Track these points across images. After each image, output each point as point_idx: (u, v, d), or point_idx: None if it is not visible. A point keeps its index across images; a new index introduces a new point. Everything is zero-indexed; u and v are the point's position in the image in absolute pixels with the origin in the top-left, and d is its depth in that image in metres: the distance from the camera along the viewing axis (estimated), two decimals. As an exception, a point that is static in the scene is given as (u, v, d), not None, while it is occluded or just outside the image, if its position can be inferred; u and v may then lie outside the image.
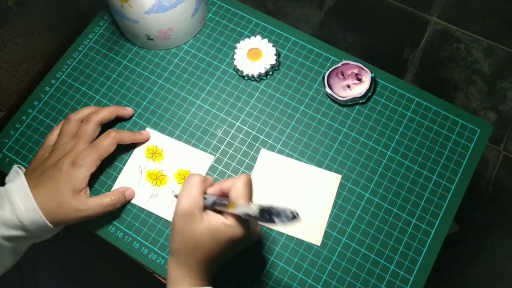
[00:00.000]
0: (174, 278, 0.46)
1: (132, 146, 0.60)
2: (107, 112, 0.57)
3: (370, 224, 0.55)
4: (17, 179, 0.51)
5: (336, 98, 0.60)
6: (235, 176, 0.58)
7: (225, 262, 0.49)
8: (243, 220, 0.45)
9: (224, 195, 0.47)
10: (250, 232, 0.46)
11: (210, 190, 0.47)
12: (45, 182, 0.51)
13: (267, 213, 0.40)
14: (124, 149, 0.60)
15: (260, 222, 0.50)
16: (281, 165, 0.59)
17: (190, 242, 0.44)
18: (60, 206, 0.50)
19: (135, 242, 0.56)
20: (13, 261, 0.53)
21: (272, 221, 0.40)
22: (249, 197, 0.45)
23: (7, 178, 0.53)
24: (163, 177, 0.58)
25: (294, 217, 0.38)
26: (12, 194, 0.50)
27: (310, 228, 0.55)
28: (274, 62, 0.62)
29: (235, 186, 0.45)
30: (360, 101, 0.61)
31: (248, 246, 0.49)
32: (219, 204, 0.45)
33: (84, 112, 0.57)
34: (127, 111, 0.61)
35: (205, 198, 0.46)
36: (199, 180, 0.46)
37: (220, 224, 0.44)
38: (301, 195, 0.57)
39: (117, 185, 0.58)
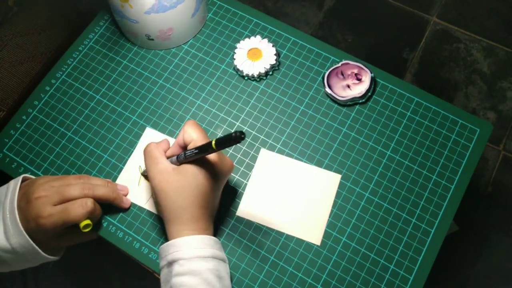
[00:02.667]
0: (174, 234, 0.48)
1: (131, 145, 0.60)
2: (105, 194, 0.53)
3: (370, 224, 0.55)
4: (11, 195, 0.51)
5: (336, 98, 0.60)
6: (235, 176, 0.58)
7: (217, 204, 0.52)
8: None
9: (182, 148, 0.50)
10: (222, 162, 0.49)
11: (168, 152, 0.51)
12: (20, 209, 0.50)
13: (220, 143, 0.42)
14: (124, 149, 0.60)
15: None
16: (281, 164, 0.59)
17: (171, 192, 0.47)
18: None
19: (135, 242, 0.56)
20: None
21: (227, 146, 0.43)
22: (202, 134, 0.48)
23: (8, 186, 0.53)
24: (163, 177, 0.58)
25: (240, 136, 0.40)
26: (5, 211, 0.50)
27: (310, 227, 0.55)
28: (274, 62, 0.62)
29: (186, 131, 0.48)
30: (360, 101, 0.61)
31: (227, 178, 0.51)
32: (181, 157, 0.48)
33: (95, 181, 0.54)
34: (125, 204, 0.56)
35: (170, 160, 0.50)
36: (154, 146, 0.51)
37: (188, 165, 0.47)
38: (301, 194, 0.57)
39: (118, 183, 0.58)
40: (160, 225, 0.56)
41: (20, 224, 0.48)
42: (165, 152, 0.51)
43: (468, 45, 1.25)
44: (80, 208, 0.50)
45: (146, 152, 0.51)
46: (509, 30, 1.26)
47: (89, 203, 0.50)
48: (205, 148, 0.44)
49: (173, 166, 0.49)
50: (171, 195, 0.47)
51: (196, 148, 0.46)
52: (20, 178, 0.52)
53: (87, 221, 0.50)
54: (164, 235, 0.56)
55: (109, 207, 0.56)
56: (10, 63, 0.65)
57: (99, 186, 0.53)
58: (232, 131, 0.41)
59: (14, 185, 0.51)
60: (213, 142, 0.42)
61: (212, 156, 0.47)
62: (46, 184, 0.51)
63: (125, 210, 0.57)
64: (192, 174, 0.47)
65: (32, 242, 0.49)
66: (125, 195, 0.57)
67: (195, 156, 0.46)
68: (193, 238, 0.47)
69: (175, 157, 0.49)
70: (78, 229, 0.51)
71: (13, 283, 0.68)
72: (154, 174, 0.48)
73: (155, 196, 0.49)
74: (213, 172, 0.48)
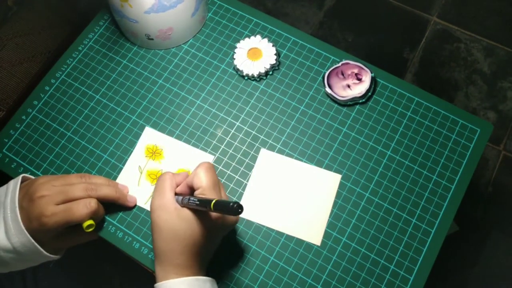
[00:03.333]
0: (160, 276, 0.47)
1: (131, 145, 0.60)
2: (109, 194, 0.53)
3: (370, 224, 0.55)
4: (11, 194, 0.51)
5: (336, 98, 0.60)
6: (235, 176, 0.58)
7: (211, 254, 0.50)
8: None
9: (191, 189, 0.48)
10: (224, 218, 0.47)
11: (178, 189, 0.49)
12: (22, 209, 0.50)
13: (218, 207, 0.42)
14: (123, 149, 0.60)
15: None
16: (281, 165, 0.58)
17: (166, 232, 0.46)
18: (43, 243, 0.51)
19: (135, 242, 0.56)
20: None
21: (223, 212, 0.43)
22: (211, 182, 0.46)
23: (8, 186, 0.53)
24: (163, 177, 0.58)
25: (237, 210, 0.40)
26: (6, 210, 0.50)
27: (310, 228, 0.55)
28: (274, 61, 0.62)
29: (197, 175, 0.47)
30: (360, 101, 0.60)
31: (229, 231, 0.50)
32: (184, 201, 0.46)
33: (96, 180, 0.55)
34: (129, 202, 0.56)
35: (176, 198, 0.48)
36: (169, 177, 0.49)
37: (189, 211, 0.46)
38: (301, 195, 0.57)
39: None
40: (159, 225, 0.56)
41: (21, 223, 0.48)
42: (178, 185, 0.50)
43: (469, 45, 1.25)
44: (84, 208, 0.50)
45: (158, 180, 0.49)
46: (509, 30, 1.26)
47: (93, 203, 0.50)
48: (204, 204, 0.43)
49: (176, 206, 0.47)
50: (165, 235, 0.46)
51: (198, 200, 0.44)
52: (19, 178, 0.52)
53: (90, 221, 0.50)
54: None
55: (111, 206, 0.56)
56: (9, 63, 0.64)
57: (103, 186, 0.53)
58: (233, 200, 0.40)
59: (14, 184, 0.51)
60: (212, 203, 0.41)
61: (214, 214, 0.46)
62: (48, 184, 0.51)
63: (130, 208, 0.57)
64: (189, 222, 0.46)
65: (33, 240, 0.49)
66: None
67: (195, 207, 0.45)
68: (179, 281, 0.46)
69: (181, 197, 0.48)
70: (79, 230, 0.51)
71: (12, 283, 0.68)
72: (156, 207, 0.47)
73: (151, 228, 0.48)
74: (213, 225, 0.47)
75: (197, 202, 0.44)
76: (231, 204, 0.39)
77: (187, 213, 0.46)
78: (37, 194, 0.49)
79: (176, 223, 0.46)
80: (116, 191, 0.54)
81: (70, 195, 0.50)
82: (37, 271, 0.70)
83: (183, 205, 0.47)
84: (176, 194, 0.49)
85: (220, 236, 0.50)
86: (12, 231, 0.48)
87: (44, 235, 0.50)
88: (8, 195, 0.50)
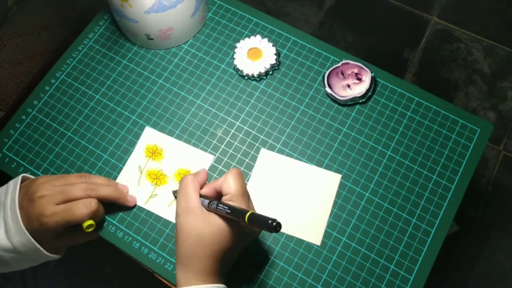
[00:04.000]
0: (182, 282, 0.46)
1: (131, 145, 0.60)
2: (109, 194, 0.53)
3: (370, 224, 0.55)
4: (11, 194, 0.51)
5: (336, 98, 0.60)
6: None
7: (233, 261, 0.50)
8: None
9: (218, 193, 0.48)
10: (252, 228, 0.47)
11: (204, 191, 0.49)
12: (22, 209, 0.50)
13: (253, 220, 0.41)
14: (123, 149, 0.60)
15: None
16: (281, 164, 0.58)
17: (191, 237, 0.45)
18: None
19: (135, 242, 0.56)
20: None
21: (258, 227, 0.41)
22: (241, 189, 0.46)
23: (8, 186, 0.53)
24: (163, 177, 0.58)
25: (276, 228, 0.39)
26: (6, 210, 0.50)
27: (310, 227, 0.55)
28: (274, 61, 0.62)
29: (226, 181, 0.46)
30: (360, 101, 0.60)
31: (253, 240, 0.49)
32: (212, 207, 0.45)
33: (96, 180, 0.54)
34: (129, 202, 0.56)
35: (201, 200, 0.47)
36: (191, 179, 0.48)
37: (218, 218, 0.45)
38: (301, 194, 0.57)
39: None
40: (160, 225, 0.56)
41: (21, 223, 0.48)
42: (201, 186, 0.49)
43: (469, 45, 1.25)
44: (84, 208, 0.49)
45: (181, 185, 0.48)
46: (509, 30, 1.26)
47: (93, 204, 0.50)
48: (237, 215, 0.42)
49: (203, 210, 0.46)
50: (191, 240, 0.45)
51: (229, 208, 0.43)
52: (19, 178, 0.52)
53: (90, 221, 0.50)
54: (163, 236, 0.56)
55: (111, 206, 0.56)
56: (9, 63, 0.64)
57: (103, 186, 0.53)
58: (271, 218, 0.39)
59: (14, 184, 0.51)
60: (247, 216, 0.40)
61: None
62: (48, 183, 0.51)
63: (130, 208, 0.57)
64: (218, 229, 0.45)
65: (33, 240, 0.49)
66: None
67: (225, 214, 0.44)
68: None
69: (207, 201, 0.46)
70: (79, 229, 0.51)
71: (11, 283, 0.68)
72: (182, 212, 0.46)
73: (175, 232, 0.47)
74: (240, 233, 0.46)
75: (228, 211, 0.43)
76: (269, 221, 0.38)
77: (215, 218, 0.45)
78: (37, 194, 0.49)
79: (203, 228, 0.45)
80: (116, 191, 0.54)
81: (70, 195, 0.50)
82: (37, 271, 0.70)
83: (209, 209, 0.46)
84: (201, 196, 0.48)
85: (244, 245, 0.49)
86: (12, 231, 0.48)
87: (44, 235, 0.50)
88: (8, 195, 0.50)
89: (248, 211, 0.41)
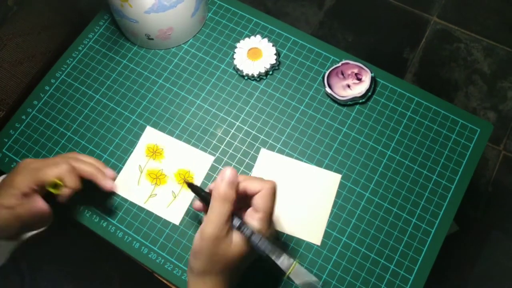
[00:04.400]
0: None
1: (131, 145, 0.60)
2: (87, 171, 0.51)
3: (370, 224, 0.55)
4: None
5: (336, 98, 0.60)
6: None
7: (239, 279, 0.48)
8: (266, 225, 0.44)
9: (243, 194, 0.45)
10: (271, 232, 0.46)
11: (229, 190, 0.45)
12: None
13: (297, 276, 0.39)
14: (123, 149, 0.60)
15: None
16: (281, 164, 0.58)
17: (220, 264, 0.43)
18: None
19: (134, 242, 0.56)
20: None
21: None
22: (272, 210, 0.44)
23: None
24: (163, 177, 0.58)
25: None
26: None
27: (310, 227, 0.55)
28: (274, 61, 0.62)
29: (263, 196, 0.43)
30: (360, 101, 0.60)
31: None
32: (246, 232, 0.43)
33: (85, 158, 0.53)
34: (105, 182, 0.52)
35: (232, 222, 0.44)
36: (229, 206, 0.43)
37: (242, 239, 0.43)
38: (301, 194, 0.57)
39: (118, 184, 0.58)
40: (159, 225, 0.56)
41: None
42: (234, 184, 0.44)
43: (469, 45, 1.25)
44: (53, 167, 0.48)
45: (218, 203, 0.42)
46: (509, 30, 1.26)
47: (64, 166, 0.49)
48: (279, 263, 0.41)
49: (230, 233, 0.43)
50: (211, 258, 0.43)
51: (272, 250, 0.42)
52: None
53: (57, 181, 0.48)
54: (163, 236, 0.56)
55: (111, 205, 0.56)
56: (9, 63, 0.64)
57: (82, 161, 0.51)
58: (316, 278, 0.38)
59: None
60: (290, 270, 0.39)
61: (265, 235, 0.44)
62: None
63: (108, 192, 0.53)
64: (238, 248, 0.43)
65: None
66: (112, 178, 0.53)
67: (261, 252, 0.42)
68: None
69: (239, 222, 0.43)
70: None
71: (10, 283, 0.68)
72: (211, 237, 0.42)
73: (195, 246, 0.44)
74: (253, 252, 0.44)
75: (270, 254, 0.41)
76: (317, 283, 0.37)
77: (239, 238, 0.43)
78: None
79: (235, 256, 0.43)
80: (94, 165, 0.52)
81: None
82: (37, 272, 0.70)
83: (239, 230, 0.43)
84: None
85: (250, 261, 0.47)
86: None
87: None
88: None
89: (293, 261, 0.39)
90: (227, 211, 0.42)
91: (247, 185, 0.44)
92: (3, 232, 0.50)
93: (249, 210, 0.44)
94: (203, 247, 0.42)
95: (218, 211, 0.42)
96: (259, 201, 0.43)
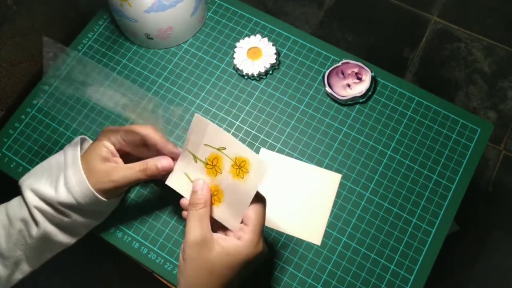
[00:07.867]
0: None
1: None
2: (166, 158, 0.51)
3: (370, 224, 0.55)
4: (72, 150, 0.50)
5: (336, 97, 0.60)
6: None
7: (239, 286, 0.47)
8: (257, 237, 0.43)
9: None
10: (264, 248, 0.45)
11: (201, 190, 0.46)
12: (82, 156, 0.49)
13: None
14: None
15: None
16: (281, 164, 0.58)
17: (204, 270, 0.42)
18: (90, 172, 0.48)
19: (134, 242, 0.56)
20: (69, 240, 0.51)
21: None
22: (263, 224, 0.45)
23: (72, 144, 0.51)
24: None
25: None
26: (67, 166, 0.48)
27: (310, 227, 0.55)
28: (274, 61, 0.62)
29: (257, 210, 0.44)
30: (360, 100, 0.60)
31: (259, 265, 0.47)
32: None
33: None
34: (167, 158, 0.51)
35: None
36: (207, 210, 0.45)
37: (234, 246, 0.43)
38: (301, 194, 0.57)
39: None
40: (159, 225, 0.56)
41: (83, 172, 0.46)
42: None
43: (469, 44, 1.25)
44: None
45: (196, 212, 0.44)
46: (510, 29, 1.26)
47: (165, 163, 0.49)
48: None
49: (218, 237, 0.43)
50: (201, 272, 0.42)
51: None
52: (78, 139, 0.51)
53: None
54: (163, 236, 0.56)
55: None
56: (9, 63, 0.64)
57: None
58: None
59: (75, 143, 0.50)
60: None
61: (257, 248, 0.44)
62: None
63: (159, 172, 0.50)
64: (231, 257, 0.42)
65: (91, 188, 0.46)
66: (166, 168, 0.50)
67: None
68: None
69: None
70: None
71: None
72: (195, 242, 0.42)
73: (181, 260, 0.44)
74: (253, 257, 0.43)
75: None
76: None
77: (229, 247, 0.42)
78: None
79: (217, 260, 0.42)
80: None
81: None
82: (37, 272, 0.70)
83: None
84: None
85: (252, 268, 0.46)
86: (72, 182, 0.46)
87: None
88: (69, 151, 0.49)
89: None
90: (206, 218, 0.44)
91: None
92: (125, 188, 0.51)
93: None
94: (186, 254, 0.42)
95: (195, 216, 0.44)
96: (251, 213, 0.44)
